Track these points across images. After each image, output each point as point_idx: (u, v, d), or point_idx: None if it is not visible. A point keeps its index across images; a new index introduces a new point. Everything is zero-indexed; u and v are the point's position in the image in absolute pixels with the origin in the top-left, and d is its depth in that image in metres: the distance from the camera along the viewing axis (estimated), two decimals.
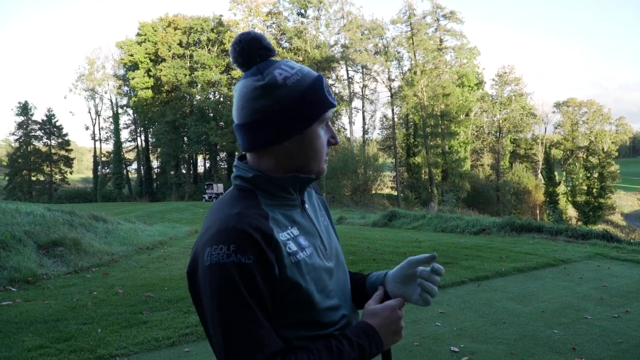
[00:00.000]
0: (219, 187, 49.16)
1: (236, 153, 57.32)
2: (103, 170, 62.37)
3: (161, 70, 52.94)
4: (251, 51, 1.15)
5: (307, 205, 1.26)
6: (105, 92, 61.60)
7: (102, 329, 5.24)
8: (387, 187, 60.97)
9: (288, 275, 1.08)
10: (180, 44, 54.09)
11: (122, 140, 61.61)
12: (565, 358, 4.28)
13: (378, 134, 62.21)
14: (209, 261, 1.02)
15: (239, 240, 1.02)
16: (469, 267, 8.15)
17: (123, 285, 7.45)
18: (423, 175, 53.02)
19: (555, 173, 53.59)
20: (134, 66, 55.20)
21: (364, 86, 56.92)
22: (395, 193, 52.85)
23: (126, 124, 63.37)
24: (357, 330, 1.17)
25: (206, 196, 48.14)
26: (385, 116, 57.78)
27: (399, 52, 53.68)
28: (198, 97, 55.42)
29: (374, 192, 55.54)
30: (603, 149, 56.38)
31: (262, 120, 1.12)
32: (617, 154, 59.63)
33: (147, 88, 54.62)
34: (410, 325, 5.08)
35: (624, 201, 66.48)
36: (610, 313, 5.55)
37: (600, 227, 25.54)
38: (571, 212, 50.44)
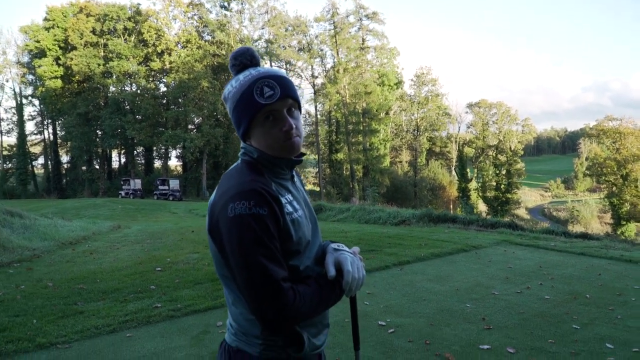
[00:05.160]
0: (136, 183, 47.13)
1: (154, 147, 55.53)
2: (4, 165, 57.47)
3: (72, 59, 49.51)
4: (234, 67, 1.53)
5: (295, 179, 1.61)
6: (7, 81, 56.23)
7: (37, 319, 5.14)
8: (310, 183, 61.50)
9: (287, 228, 1.39)
10: (93, 32, 50.92)
11: (27, 132, 57.03)
12: (476, 326, 4.73)
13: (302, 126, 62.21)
14: (232, 213, 1.32)
15: (256, 197, 1.33)
16: (392, 253, 8.63)
17: (52, 279, 7.27)
18: (345, 171, 53.92)
19: (468, 170, 56.41)
20: (41, 53, 51.30)
21: None
22: (318, 189, 53.42)
23: (31, 115, 58.76)
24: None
25: (123, 192, 46.09)
26: (308, 113, 58.13)
27: (322, 50, 54.17)
28: (113, 89, 52.51)
29: None
30: (510, 148, 60.04)
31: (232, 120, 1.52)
32: (522, 152, 63.71)
33: (56, 77, 50.95)
34: (341, 304, 5.25)
35: (528, 197, 71.48)
36: (514, 289, 6.11)
37: (507, 218, 27.17)
38: (481, 207, 53.33)
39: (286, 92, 1.46)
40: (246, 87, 1.45)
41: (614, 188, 46.08)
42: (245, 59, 1.52)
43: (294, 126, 1.46)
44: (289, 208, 1.43)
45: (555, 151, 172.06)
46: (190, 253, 9.31)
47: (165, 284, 6.66)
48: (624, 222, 42.79)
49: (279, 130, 1.45)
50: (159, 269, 7.77)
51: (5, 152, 57.73)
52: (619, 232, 40.05)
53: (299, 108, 1.54)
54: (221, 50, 50.39)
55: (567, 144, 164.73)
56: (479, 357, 4.00)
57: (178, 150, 54.32)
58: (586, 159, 73.46)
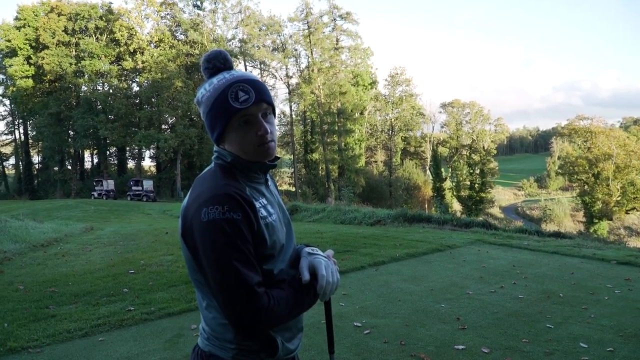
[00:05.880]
0: (109, 184, 46.32)
1: (127, 148, 54.85)
2: None
3: (43, 58, 48.50)
4: (207, 70, 1.51)
5: (269, 183, 1.60)
6: None
7: (8, 323, 5.06)
8: (286, 184, 61.41)
9: (261, 232, 1.38)
10: (65, 31, 50.01)
11: None
12: (451, 326, 4.76)
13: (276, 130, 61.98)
14: (206, 218, 1.30)
15: (230, 202, 1.32)
16: (368, 254, 8.65)
17: (23, 282, 7.15)
18: (320, 172, 53.97)
19: (442, 169, 57.07)
20: (12, 53, 50.19)
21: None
22: (293, 189, 53.35)
23: (2, 115, 57.62)
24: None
25: (95, 193, 45.27)
26: (283, 113, 58.02)
27: (296, 50, 54.15)
28: (85, 88, 51.74)
29: None
30: (484, 147, 60.94)
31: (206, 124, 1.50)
32: (496, 151, 64.60)
33: (27, 77, 49.90)
34: (317, 306, 5.27)
35: (501, 195, 72.59)
36: (488, 289, 6.17)
37: (480, 218, 27.56)
38: (456, 206, 53.97)
39: (261, 97, 1.45)
40: (220, 92, 1.43)
41: (586, 186, 47.07)
42: (219, 62, 1.50)
43: (269, 131, 1.46)
44: (263, 212, 1.42)
45: (527, 150, 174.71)
46: (164, 255, 9.18)
47: (138, 287, 6.56)
48: (597, 220, 43.71)
49: (253, 135, 1.44)
50: (132, 271, 7.65)
51: None
52: (591, 231, 40.91)
53: (274, 112, 1.53)
54: (194, 49, 49.93)
55: (540, 143, 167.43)
56: (454, 357, 4.03)
57: (152, 150, 53.70)
58: (558, 157, 74.84)
